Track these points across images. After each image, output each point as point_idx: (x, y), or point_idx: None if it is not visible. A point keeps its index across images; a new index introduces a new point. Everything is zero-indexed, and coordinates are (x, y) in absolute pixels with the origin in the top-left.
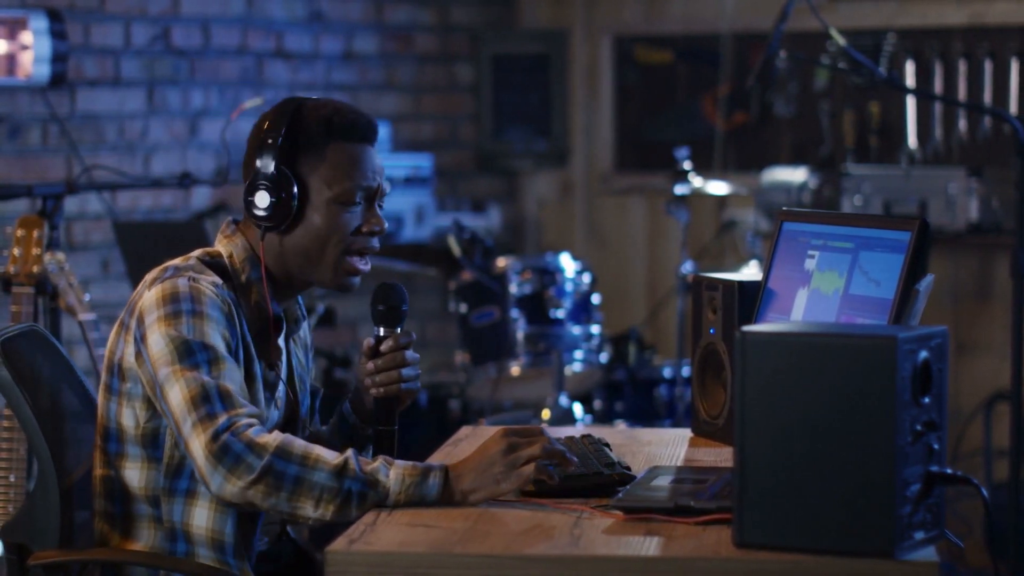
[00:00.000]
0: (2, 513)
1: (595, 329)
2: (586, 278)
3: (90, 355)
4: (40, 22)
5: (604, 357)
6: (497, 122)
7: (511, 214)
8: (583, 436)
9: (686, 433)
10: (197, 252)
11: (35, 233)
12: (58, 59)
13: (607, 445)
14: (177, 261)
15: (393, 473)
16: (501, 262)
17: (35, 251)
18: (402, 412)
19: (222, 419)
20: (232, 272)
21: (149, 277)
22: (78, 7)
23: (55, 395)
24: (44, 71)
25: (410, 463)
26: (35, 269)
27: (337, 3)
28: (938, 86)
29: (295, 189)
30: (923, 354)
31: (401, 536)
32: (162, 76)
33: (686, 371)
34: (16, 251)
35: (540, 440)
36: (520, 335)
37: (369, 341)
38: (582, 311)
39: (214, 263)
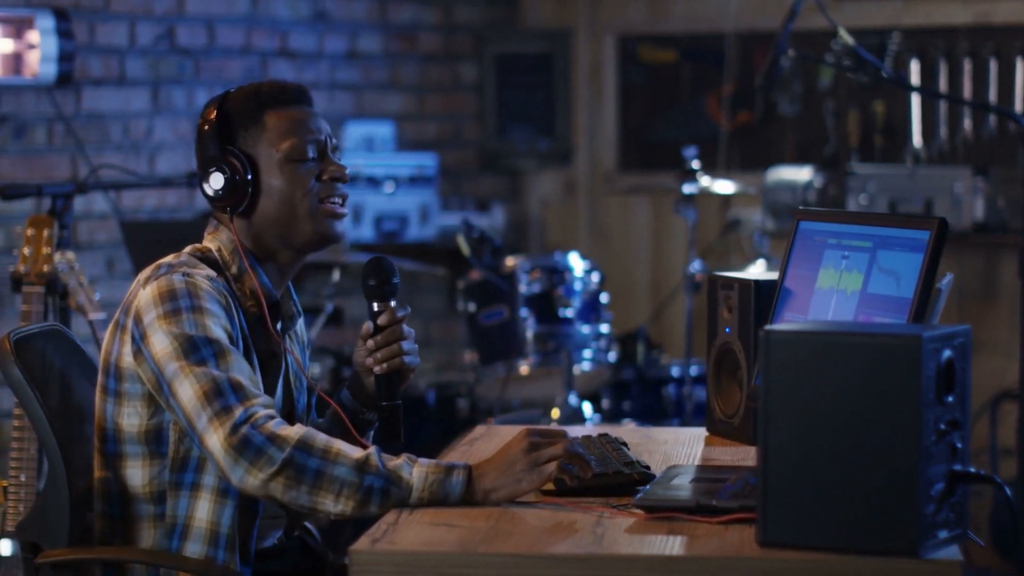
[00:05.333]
0: (12, 512)
1: (604, 328)
2: (595, 277)
3: (100, 354)
4: (47, 21)
5: (612, 356)
6: (501, 121)
7: (515, 214)
8: (600, 435)
9: (701, 432)
10: (188, 249)
11: (45, 232)
12: (64, 58)
13: (625, 444)
14: (169, 259)
15: (416, 471)
16: (510, 261)
17: (45, 250)
18: (409, 410)
19: (238, 412)
20: (222, 265)
21: (142, 276)
22: (83, 6)
23: (69, 395)
24: (51, 70)
25: (433, 461)
26: (45, 268)
27: (341, 2)
28: (943, 85)
29: (245, 163)
30: (947, 353)
31: (424, 535)
32: (167, 75)
33: (694, 370)
34: (26, 250)
35: (562, 441)
36: (529, 334)
37: (368, 326)
38: (591, 310)
39: (205, 259)
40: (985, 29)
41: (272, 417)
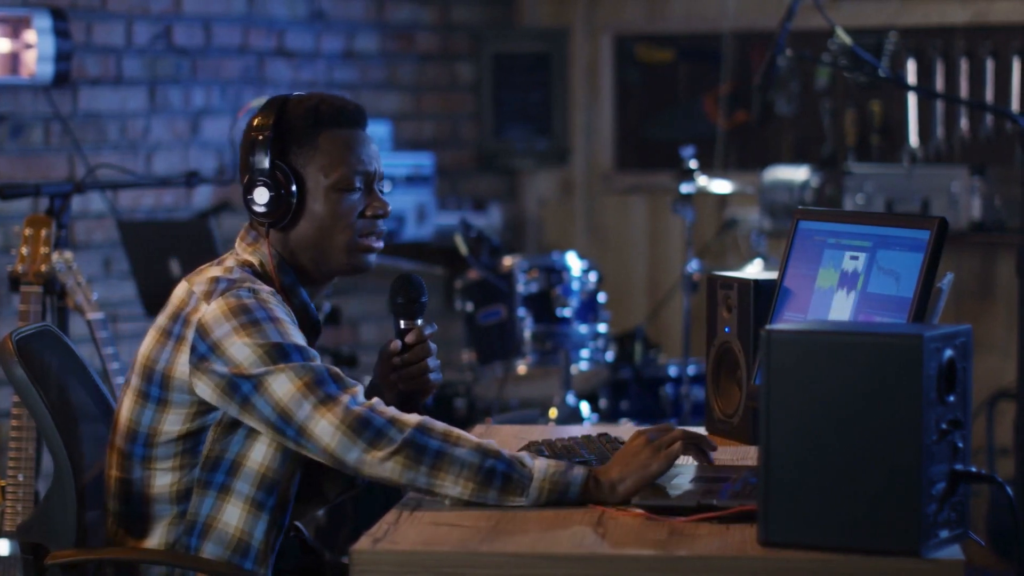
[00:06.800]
0: (11, 512)
1: (602, 328)
2: (592, 277)
3: (98, 354)
4: (44, 21)
5: (610, 356)
6: (498, 121)
7: (512, 213)
8: (600, 435)
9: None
10: (231, 262)
11: (43, 232)
12: (62, 58)
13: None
14: (219, 272)
15: (538, 461)
16: (508, 261)
17: (43, 250)
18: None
19: (346, 398)
20: (267, 280)
21: (198, 290)
22: (80, 6)
23: (68, 395)
24: (48, 70)
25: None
26: (43, 268)
27: (338, 2)
28: (940, 85)
29: (292, 181)
30: (948, 352)
31: (426, 535)
32: (164, 75)
33: (692, 369)
34: (24, 250)
35: (677, 429)
36: (527, 334)
37: (396, 344)
38: (589, 310)
39: (256, 274)
40: (982, 29)
41: (382, 402)
